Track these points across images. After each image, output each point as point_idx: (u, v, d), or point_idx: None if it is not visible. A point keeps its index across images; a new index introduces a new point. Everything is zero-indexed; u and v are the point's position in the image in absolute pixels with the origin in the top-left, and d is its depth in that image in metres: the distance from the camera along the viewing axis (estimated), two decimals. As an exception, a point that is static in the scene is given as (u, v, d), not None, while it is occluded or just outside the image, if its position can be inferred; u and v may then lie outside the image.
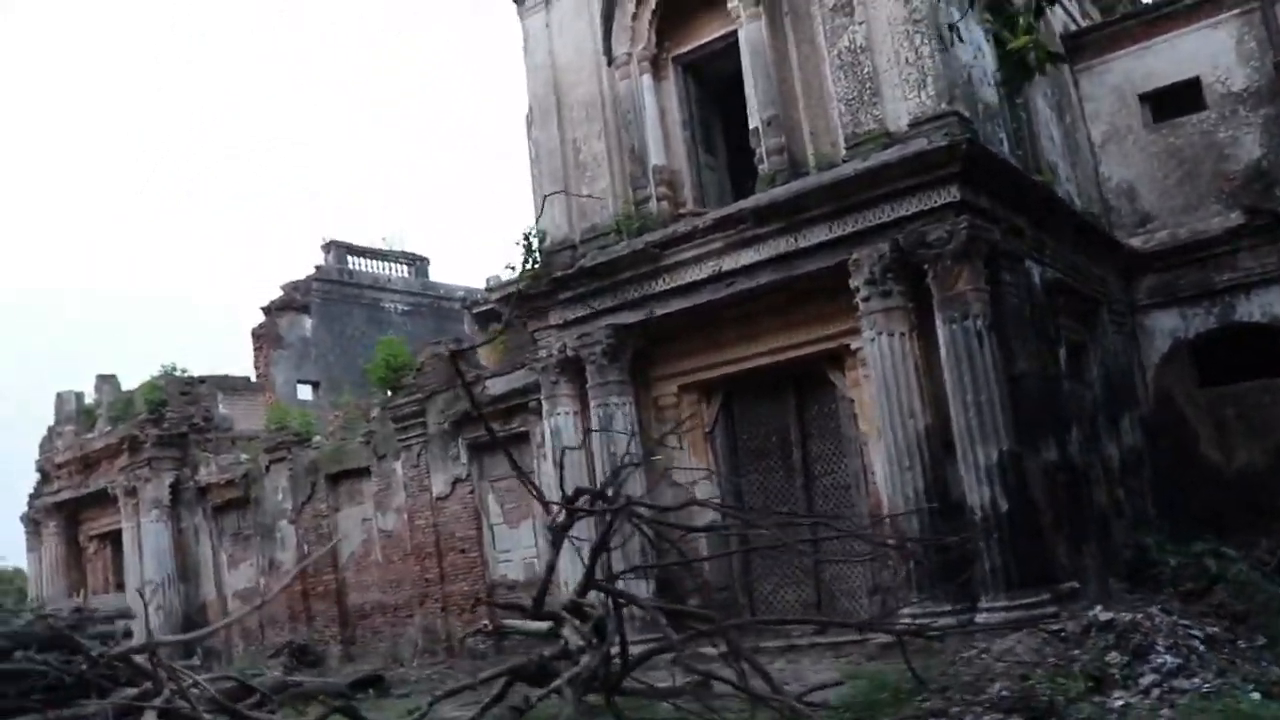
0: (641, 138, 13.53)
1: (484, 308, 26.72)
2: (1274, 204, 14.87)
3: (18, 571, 37.23)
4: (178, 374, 22.78)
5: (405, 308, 29.33)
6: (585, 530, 9.79)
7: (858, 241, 11.43)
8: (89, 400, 24.68)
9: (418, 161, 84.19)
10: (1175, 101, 16.04)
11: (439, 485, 17.20)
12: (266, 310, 26.77)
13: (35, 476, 25.68)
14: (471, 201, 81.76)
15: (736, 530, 10.57)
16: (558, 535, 8.20)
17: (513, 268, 14.63)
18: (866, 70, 11.90)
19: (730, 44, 13.13)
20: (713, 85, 14.22)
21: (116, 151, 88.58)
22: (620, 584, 8.96)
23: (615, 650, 7.78)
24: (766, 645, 11.13)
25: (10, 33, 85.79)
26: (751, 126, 12.66)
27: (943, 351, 11.00)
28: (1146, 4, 17.15)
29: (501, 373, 16.06)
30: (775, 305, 12.45)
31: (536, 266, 13.83)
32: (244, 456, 21.22)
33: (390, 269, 29.86)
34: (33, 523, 25.63)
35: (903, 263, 11.16)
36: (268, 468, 20.22)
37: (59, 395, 25.10)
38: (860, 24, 11.98)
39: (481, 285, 28.38)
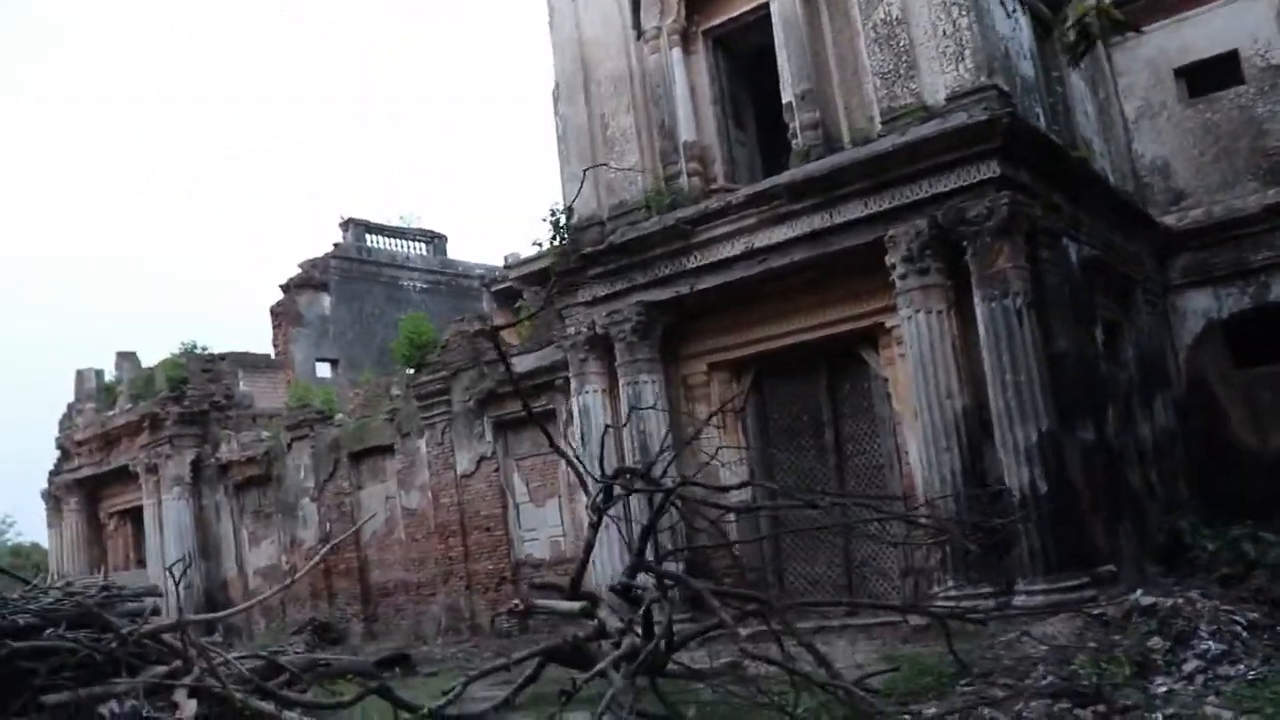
0: (672, 113, 13.33)
1: (503, 285, 26.56)
2: (1314, 181, 14.61)
3: (35, 546, 37.50)
4: (198, 351, 22.74)
5: (424, 286, 29.20)
6: (618, 510, 9.67)
7: (894, 218, 11.23)
8: (109, 378, 24.68)
9: (432, 140, 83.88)
10: (1212, 75, 15.75)
11: (464, 463, 17.12)
12: (285, 288, 26.65)
13: (55, 453, 25.76)
14: (488, 179, 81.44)
15: (783, 511, 10.40)
16: (598, 515, 8.06)
17: (539, 244, 14.48)
18: (902, 43, 11.67)
19: (761, 17, 12.90)
20: (742, 59, 14.00)
21: (116, 151, 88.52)
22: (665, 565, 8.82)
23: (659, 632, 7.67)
24: (799, 627, 10.99)
25: (10, 33, 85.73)
26: (785, 101, 12.44)
27: (981, 330, 10.81)
28: (1183, -24, 16.80)
29: (527, 350, 15.94)
30: (807, 282, 12.27)
31: (564, 243, 13.66)
32: (265, 434, 21.21)
33: (408, 247, 29.73)
34: (53, 499, 25.72)
35: (941, 239, 10.96)
36: (289, 445, 20.19)
37: (79, 373, 25.12)
38: (896, -5, 11.74)
39: (499, 263, 28.23)
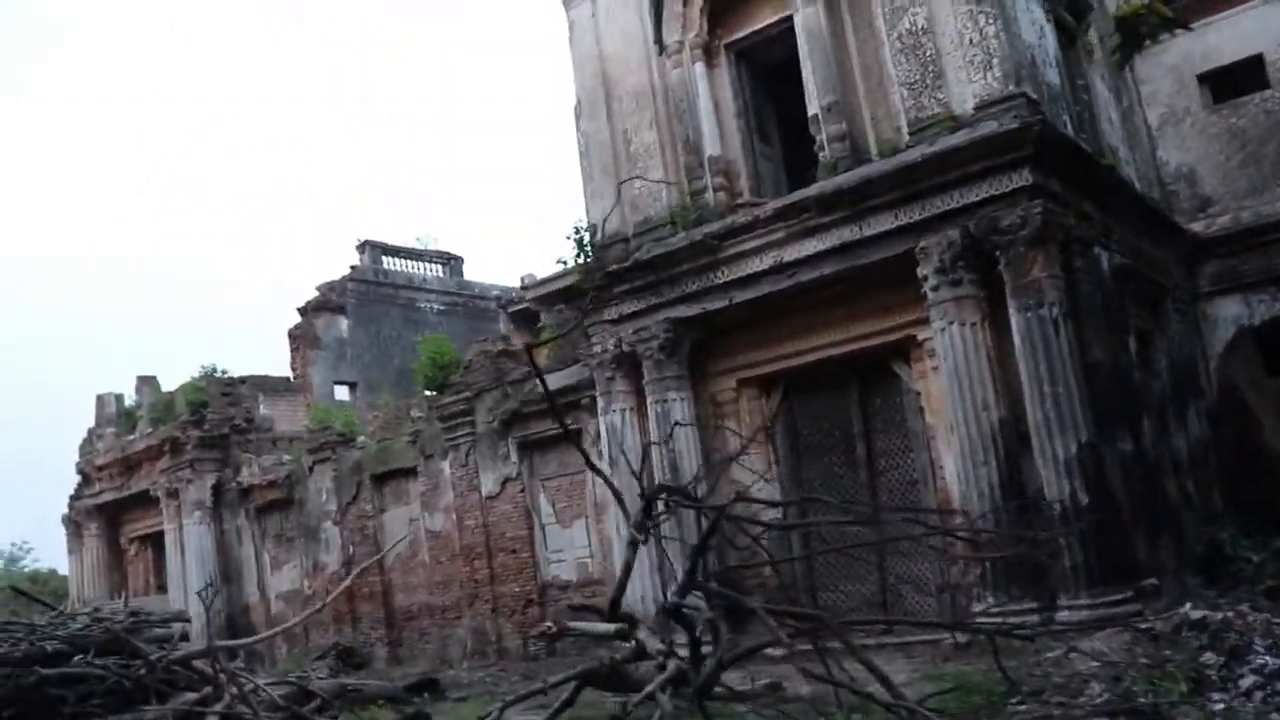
0: (696, 127, 13.26)
1: (519, 306, 26.51)
2: (1345, 185, 14.44)
3: (53, 573, 37.47)
4: (218, 375, 22.71)
5: (440, 307, 29.16)
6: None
7: (925, 229, 11.10)
8: (129, 402, 24.67)
9: (431, 140, 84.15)
10: (1236, 81, 15.63)
11: (488, 484, 16.96)
12: (303, 311, 26.63)
13: (75, 478, 25.73)
14: (487, 179, 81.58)
15: (822, 528, 10.23)
16: (637, 535, 7.90)
17: (564, 261, 14.39)
18: (929, 53, 11.57)
19: (785, 30, 12.84)
20: (765, 72, 13.92)
21: (116, 151, 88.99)
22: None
23: (705, 653, 7.50)
24: (834, 645, 10.81)
25: (10, 33, 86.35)
26: (810, 113, 12.36)
27: (1017, 340, 10.66)
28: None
29: (551, 370, 15.81)
30: (837, 296, 12.14)
31: (589, 260, 13.56)
32: (286, 457, 21.10)
33: (425, 269, 29.72)
34: (74, 524, 25.67)
35: (973, 250, 10.82)
36: (311, 468, 20.08)
37: (99, 397, 25.12)
38: (921, 5, 11.65)
39: (515, 284, 28.19)
